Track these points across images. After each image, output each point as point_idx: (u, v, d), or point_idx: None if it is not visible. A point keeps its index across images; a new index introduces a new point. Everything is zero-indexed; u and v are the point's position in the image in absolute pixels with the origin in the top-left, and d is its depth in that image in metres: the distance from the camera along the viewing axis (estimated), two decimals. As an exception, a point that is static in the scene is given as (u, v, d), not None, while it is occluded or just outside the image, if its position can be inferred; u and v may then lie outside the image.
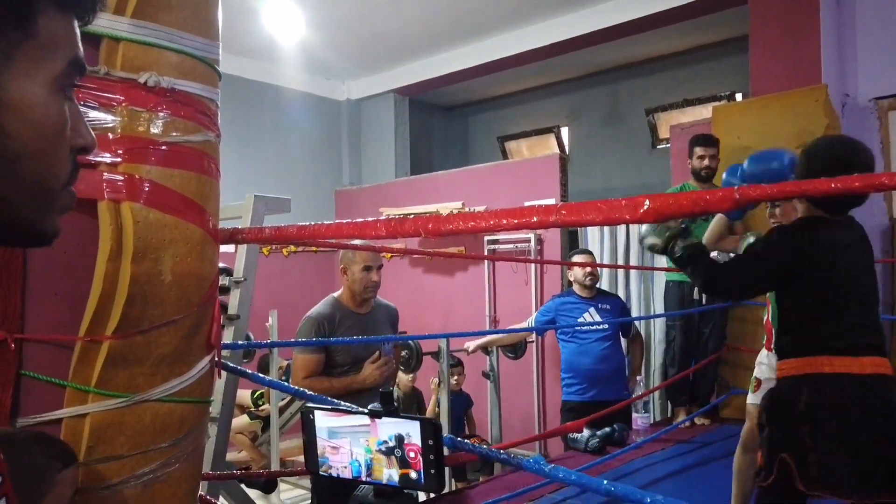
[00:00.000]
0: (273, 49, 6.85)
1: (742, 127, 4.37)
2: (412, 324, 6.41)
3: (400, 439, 0.93)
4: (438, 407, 4.32)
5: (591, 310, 4.05)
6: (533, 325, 4.22)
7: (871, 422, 1.54)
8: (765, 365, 2.46)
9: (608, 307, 4.11)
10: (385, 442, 0.95)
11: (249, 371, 2.19)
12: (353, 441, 0.99)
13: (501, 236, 6.12)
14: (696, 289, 4.03)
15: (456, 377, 4.70)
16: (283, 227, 1.20)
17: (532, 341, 5.39)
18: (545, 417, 5.63)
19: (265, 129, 7.46)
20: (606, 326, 4.00)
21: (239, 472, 2.33)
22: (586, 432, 3.50)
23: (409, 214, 6.57)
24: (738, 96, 6.43)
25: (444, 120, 9.36)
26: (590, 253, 4.41)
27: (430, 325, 6.50)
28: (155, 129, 1.13)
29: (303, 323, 2.62)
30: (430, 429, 0.93)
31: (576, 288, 4.09)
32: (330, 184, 8.02)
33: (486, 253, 6.17)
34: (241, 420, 5.11)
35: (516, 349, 4.77)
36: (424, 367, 4.92)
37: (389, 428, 0.96)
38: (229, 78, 7.84)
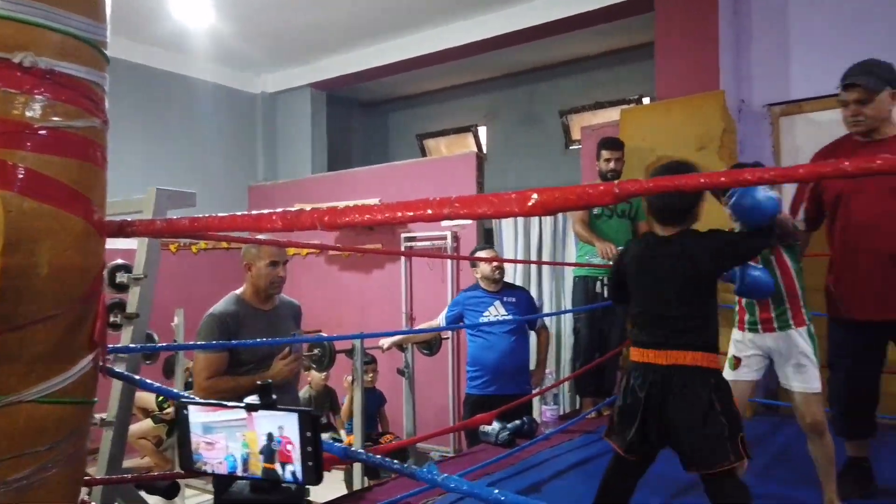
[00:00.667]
0: (183, 38, 6.59)
1: (647, 129, 4.56)
2: (328, 321, 6.34)
3: (277, 432, 0.92)
4: (352, 405, 4.30)
5: (497, 303, 4.06)
6: (444, 320, 4.23)
7: (636, 399, 1.97)
8: (740, 342, 2.51)
9: (514, 300, 4.12)
10: (261, 435, 0.94)
11: (136, 376, 2.08)
12: (228, 436, 0.97)
13: (418, 233, 6.14)
14: (599, 283, 4.18)
15: (370, 374, 4.69)
16: (175, 220, 1.15)
17: (447, 338, 5.44)
18: (460, 412, 5.68)
19: (174, 122, 7.17)
20: (512, 319, 4.02)
21: (134, 475, 2.22)
22: (496, 425, 3.56)
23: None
24: (646, 100, 6.71)
25: (363, 116, 9.29)
26: (489, 247, 4.43)
27: (346, 322, 6.44)
28: (31, 113, 1.05)
29: (205, 321, 2.52)
30: (307, 421, 0.92)
31: (482, 283, 4.14)
32: (243, 179, 7.81)
33: (402, 248, 6.17)
34: (144, 424, 4.89)
35: (431, 346, 4.79)
36: (338, 366, 4.88)
37: (266, 421, 0.95)
38: (135, 67, 7.55)
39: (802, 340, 2.35)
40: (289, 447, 0.91)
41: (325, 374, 4.76)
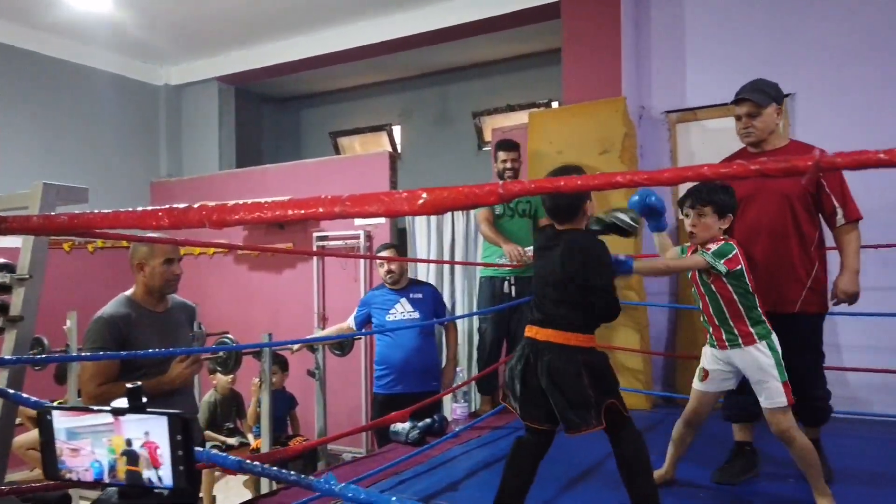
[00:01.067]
0: (79, 25, 6.23)
1: (554, 132, 4.70)
2: (237, 322, 6.16)
3: (145, 437, 0.89)
4: (260, 408, 4.19)
5: (403, 300, 4.07)
6: (353, 321, 4.20)
7: (526, 369, 2.24)
8: (708, 356, 2.65)
9: (420, 296, 4.13)
10: (128, 440, 0.90)
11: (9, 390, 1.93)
12: (94, 441, 0.92)
13: (331, 233, 6.07)
14: (506, 283, 4.26)
15: (276, 376, 4.57)
16: (53, 216, 1.09)
17: (359, 338, 5.41)
18: (373, 410, 5.66)
19: (70, 113, 6.76)
20: (418, 316, 4.03)
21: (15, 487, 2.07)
22: (407, 424, 3.57)
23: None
24: (555, 104, 6.91)
25: (274, 112, 9.08)
26: (393, 247, 4.40)
27: (256, 323, 6.28)
28: None
29: (92, 325, 2.37)
30: (177, 424, 0.90)
31: (386, 282, 4.16)
32: (145, 174, 7.46)
33: (314, 248, 6.08)
34: (33, 434, 4.59)
35: (343, 346, 4.74)
36: (247, 368, 4.75)
37: (134, 425, 0.91)
38: (26, 54, 7.09)
39: (759, 356, 2.44)
40: (158, 451, 0.88)
41: (231, 376, 4.61)
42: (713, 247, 2.44)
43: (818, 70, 4.42)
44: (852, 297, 2.81)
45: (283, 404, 4.87)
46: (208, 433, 4.70)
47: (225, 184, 6.90)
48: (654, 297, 4.67)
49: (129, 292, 2.50)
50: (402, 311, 4.03)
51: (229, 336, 4.29)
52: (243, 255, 6.64)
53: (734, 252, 2.44)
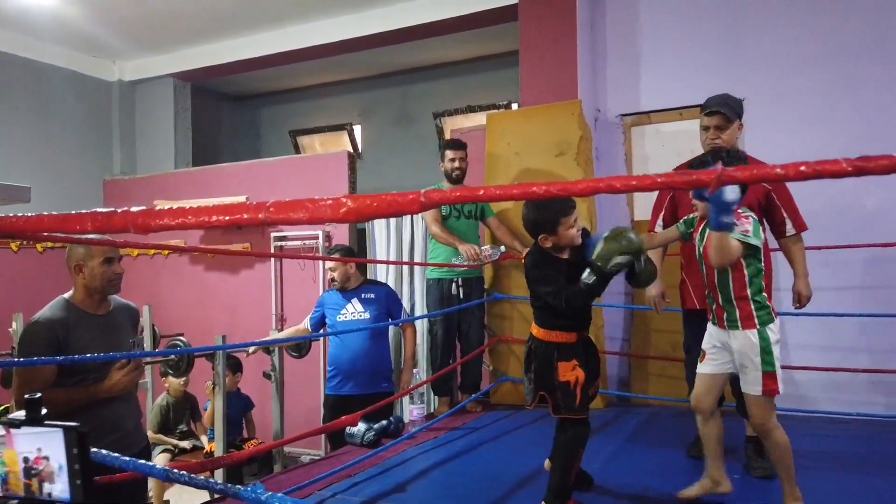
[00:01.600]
0: (27, 18, 6.05)
1: (512, 134, 4.73)
2: (193, 323, 6.05)
3: (37, 452, 0.87)
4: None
5: (354, 300, 4.03)
6: (309, 322, 4.17)
7: (529, 361, 2.56)
8: (708, 334, 2.57)
9: (372, 296, 4.08)
10: (22, 453, 0.88)
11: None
12: None
13: (289, 233, 6.01)
14: (454, 284, 4.26)
15: (228, 378, 4.51)
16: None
17: (316, 340, 5.36)
18: (323, 413, 5.61)
19: (18, 109, 6.56)
20: (369, 316, 3.99)
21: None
22: (362, 426, 3.56)
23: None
24: (515, 105, 6.96)
25: (232, 109, 8.95)
26: (340, 250, 4.25)
27: (213, 324, 6.18)
28: None
29: (27, 330, 2.28)
30: (74, 437, 0.88)
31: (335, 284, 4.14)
32: (98, 172, 7.27)
33: (272, 250, 6.01)
34: None
35: (300, 347, 4.70)
36: (202, 371, 4.68)
37: (29, 438, 0.89)
38: (-31, 47, 6.66)
39: (750, 341, 2.36)
40: (53, 464, 0.86)
41: (183, 379, 4.53)
42: (748, 227, 2.33)
43: (767, 77, 4.53)
44: (808, 299, 3.05)
45: (238, 407, 4.81)
46: (159, 436, 4.61)
47: (180, 182, 6.77)
48: (609, 297, 4.73)
49: (67, 295, 2.41)
50: (353, 311, 4.00)
51: (182, 338, 4.21)
52: (199, 256, 6.52)
53: (759, 227, 2.40)
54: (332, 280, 4.04)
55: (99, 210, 1.01)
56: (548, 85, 4.87)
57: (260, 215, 0.91)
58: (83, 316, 2.35)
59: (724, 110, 2.91)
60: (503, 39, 6.48)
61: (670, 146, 4.87)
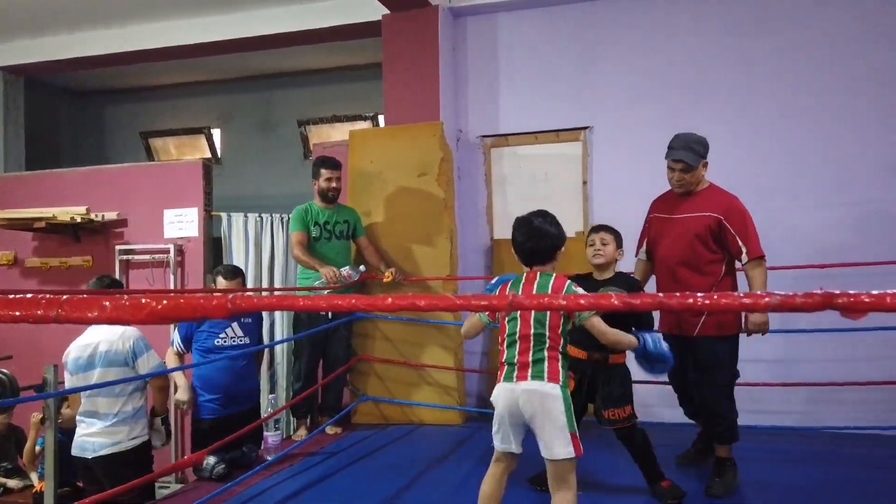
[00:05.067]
0: None
1: (374, 152, 4.72)
2: (24, 345, 5.49)
3: None
4: (42, 446, 3.76)
5: (234, 324, 3.90)
6: (180, 343, 3.88)
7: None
8: None
9: (250, 320, 4.00)
10: None
11: None
12: None
13: (137, 246, 5.61)
14: None
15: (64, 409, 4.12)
16: None
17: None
18: (183, 444, 5.31)
19: None
20: (249, 342, 3.90)
21: None
22: (211, 459, 3.39)
23: (21, 218, 5.59)
24: (382, 118, 6.95)
25: (73, 107, 8.23)
26: (231, 271, 4.09)
27: (47, 347, 5.61)
28: None
29: None
30: None
31: None
32: None
33: (117, 264, 5.57)
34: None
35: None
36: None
37: None
38: None
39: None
40: None
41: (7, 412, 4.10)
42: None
43: (613, 106, 4.85)
44: (761, 327, 3.03)
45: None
46: (-20, 477, 4.14)
47: (12, 189, 6.10)
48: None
49: None
50: (233, 335, 3.85)
51: (3, 371, 3.79)
52: (32, 268, 5.93)
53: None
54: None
55: None
56: (411, 103, 4.91)
57: (52, 312, 0.83)
58: None
59: (685, 158, 3.04)
60: (371, 50, 6.45)
61: (526, 168, 5.08)
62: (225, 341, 3.85)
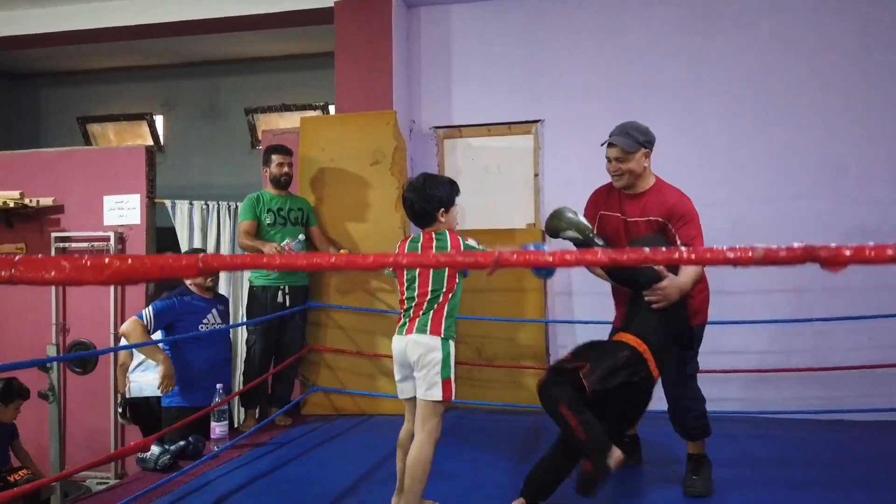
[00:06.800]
0: None
1: (326, 140, 4.66)
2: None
3: None
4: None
5: (214, 311, 3.97)
6: (153, 329, 3.76)
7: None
8: None
9: (223, 308, 4.11)
10: None
11: None
12: None
13: (74, 234, 5.38)
14: (280, 292, 4.14)
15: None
16: None
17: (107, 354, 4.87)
18: (123, 433, 5.14)
19: None
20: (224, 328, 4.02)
21: None
22: (156, 449, 3.29)
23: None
24: (332, 107, 6.86)
25: (6, 88, 7.83)
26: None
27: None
28: None
29: None
30: None
31: (193, 288, 3.91)
32: None
33: (53, 251, 5.34)
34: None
35: (85, 363, 4.25)
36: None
37: None
38: None
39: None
40: None
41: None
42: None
43: (565, 100, 4.91)
44: (665, 297, 2.72)
45: (1, 437, 4.20)
46: None
47: (-65, 172, 5.77)
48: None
49: None
50: (213, 321, 3.92)
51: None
52: (-41, 257, 5.62)
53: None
54: (196, 284, 3.91)
55: None
56: (363, 93, 4.86)
57: (5, 272, 0.79)
58: None
59: (618, 141, 2.82)
60: (321, 39, 6.34)
61: (479, 160, 5.11)
62: (207, 326, 3.89)
